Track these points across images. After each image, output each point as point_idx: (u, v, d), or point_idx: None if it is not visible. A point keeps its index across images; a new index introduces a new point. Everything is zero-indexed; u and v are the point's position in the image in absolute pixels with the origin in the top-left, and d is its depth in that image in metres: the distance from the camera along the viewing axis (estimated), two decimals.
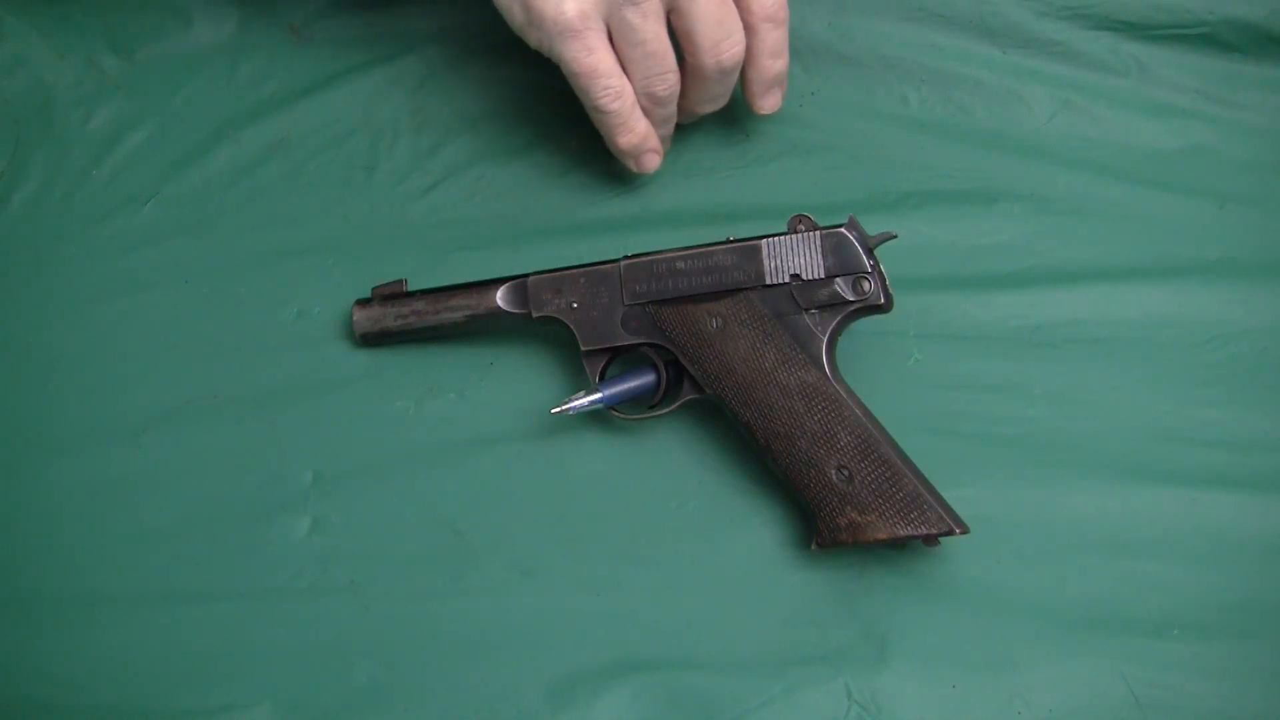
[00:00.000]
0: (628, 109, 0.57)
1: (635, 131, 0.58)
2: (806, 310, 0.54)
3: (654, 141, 0.59)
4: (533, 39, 0.56)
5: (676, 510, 0.58)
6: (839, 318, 0.54)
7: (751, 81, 0.59)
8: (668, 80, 0.56)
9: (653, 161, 0.60)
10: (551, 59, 0.56)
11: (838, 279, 0.54)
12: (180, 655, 0.58)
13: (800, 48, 0.63)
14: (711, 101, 0.59)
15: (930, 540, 0.53)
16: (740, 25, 0.56)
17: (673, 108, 0.58)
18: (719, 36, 0.55)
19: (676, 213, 0.62)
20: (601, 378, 0.57)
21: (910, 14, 0.63)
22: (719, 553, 0.57)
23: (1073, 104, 0.62)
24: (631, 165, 0.60)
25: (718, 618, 0.56)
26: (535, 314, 0.57)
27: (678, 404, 0.56)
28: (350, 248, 0.63)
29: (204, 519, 0.60)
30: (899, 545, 0.56)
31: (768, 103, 0.60)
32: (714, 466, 0.58)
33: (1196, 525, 0.55)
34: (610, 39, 0.55)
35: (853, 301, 0.53)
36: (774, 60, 0.58)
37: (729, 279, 0.54)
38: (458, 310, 0.58)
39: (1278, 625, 0.54)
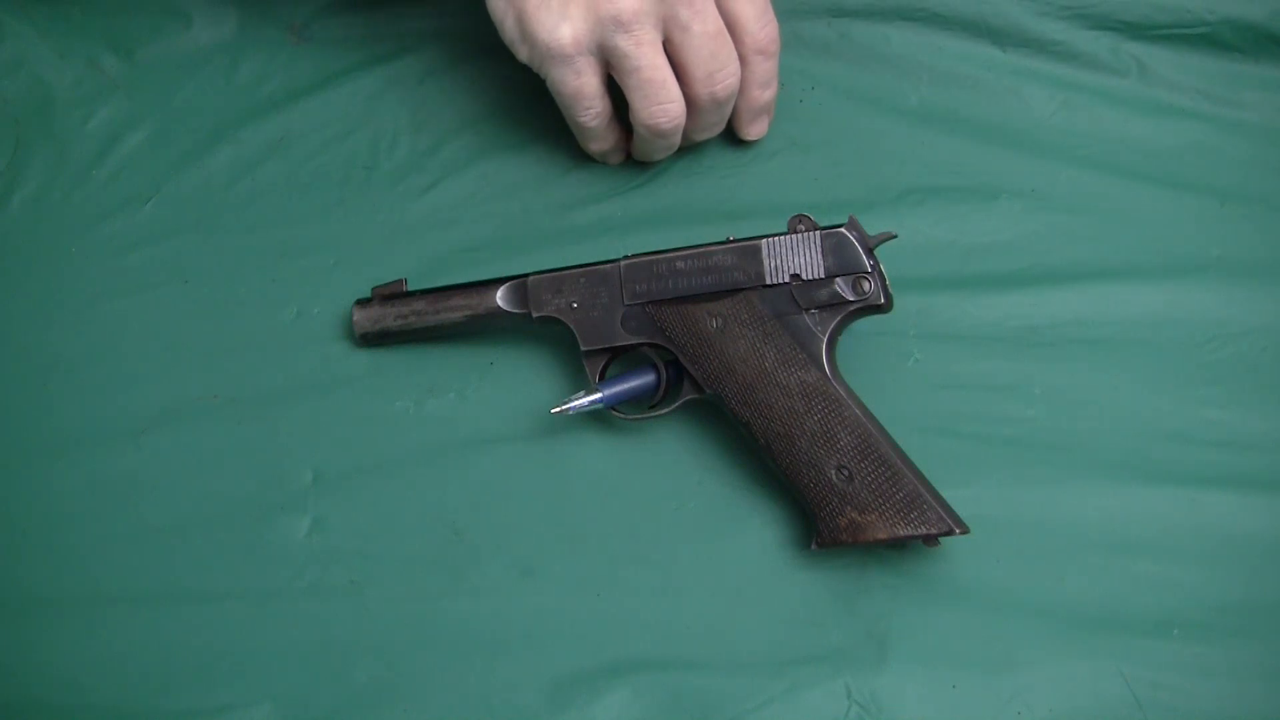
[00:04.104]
0: (603, 125, 0.59)
1: (606, 141, 0.60)
2: (806, 310, 0.54)
3: (622, 144, 0.61)
4: (523, 54, 0.56)
5: (676, 510, 0.58)
6: (839, 318, 0.54)
7: (740, 110, 0.59)
8: (669, 111, 0.56)
9: (617, 158, 0.62)
10: (539, 74, 0.57)
11: (838, 279, 0.54)
12: (180, 655, 0.58)
13: (800, 46, 0.63)
14: (706, 130, 0.59)
15: (930, 540, 0.53)
16: (735, 56, 0.56)
17: (676, 139, 0.58)
18: (713, 68, 0.55)
19: (676, 212, 0.62)
20: (601, 378, 0.57)
21: (910, 13, 0.63)
22: (719, 553, 0.57)
23: (1073, 103, 0.62)
24: (597, 159, 0.62)
25: (718, 617, 0.56)
26: (535, 314, 0.57)
27: (678, 404, 0.56)
28: (350, 248, 0.63)
29: (204, 519, 0.60)
30: (899, 545, 0.56)
31: (754, 129, 0.61)
32: (714, 466, 0.58)
33: (1196, 525, 0.55)
34: (608, 64, 0.55)
35: (853, 301, 0.53)
36: (763, 90, 0.59)
37: (729, 279, 0.55)
38: (458, 310, 0.58)
39: (1278, 625, 0.54)
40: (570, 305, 0.56)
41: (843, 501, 0.53)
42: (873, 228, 0.55)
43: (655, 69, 0.55)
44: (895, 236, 0.55)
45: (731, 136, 0.62)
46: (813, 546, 0.54)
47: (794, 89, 0.63)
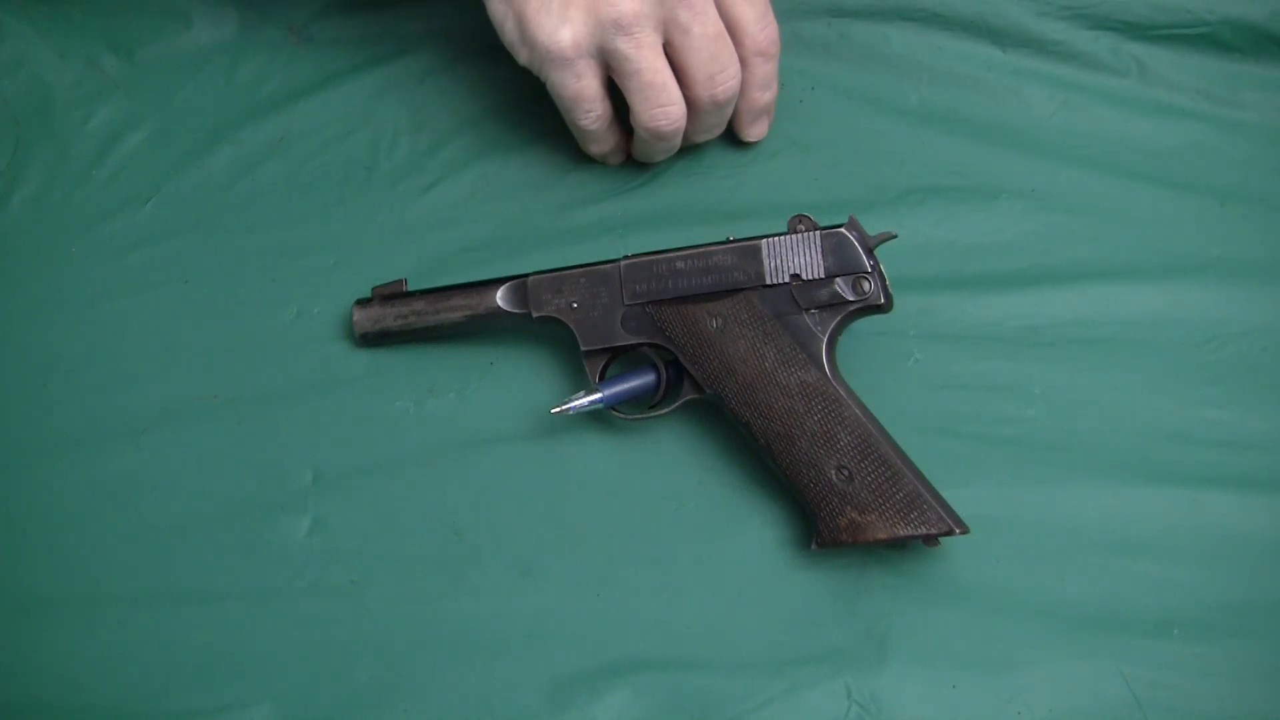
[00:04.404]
0: (604, 128, 0.58)
1: (607, 143, 0.60)
2: (806, 310, 0.54)
3: (623, 146, 0.61)
4: (523, 57, 0.56)
5: (676, 510, 0.58)
6: (839, 318, 0.54)
7: (740, 112, 0.60)
8: (670, 114, 0.56)
9: (618, 159, 0.62)
10: (539, 77, 0.57)
11: (838, 279, 0.54)
12: (180, 655, 0.58)
13: (800, 46, 0.63)
14: (706, 132, 0.60)
15: (930, 540, 0.53)
16: (736, 59, 0.56)
17: (676, 140, 0.59)
18: (714, 70, 0.55)
19: (676, 212, 0.62)
20: (601, 378, 0.57)
21: (910, 13, 0.63)
22: (719, 553, 0.57)
23: (1073, 103, 0.62)
24: (597, 160, 0.62)
25: (718, 617, 0.56)
26: (535, 314, 0.57)
27: (678, 404, 0.56)
28: (350, 248, 0.63)
29: (204, 519, 0.60)
30: (899, 545, 0.56)
31: (755, 131, 0.61)
32: (714, 466, 0.58)
33: (1196, 525, 0.55)
34: (609, 67, 0.55)
35: (853, 301, 0.53)
36: (763, 92, 0.59)
37: (729, 279, 0.54)
38: (458, 310, 0.58)
39: (1278, 625, 0.54)
40: (570, 305, 0.56)
41: (843, 501, 0.53)
42: (873, 228, 0.55)
43: (656, 72, 0.55)
44: (895, 236, 0.55)
45: (731, 137, 0.62)
46: (813, 546, 0.54)
47: (794, 89, 0.63)
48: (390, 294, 0.60)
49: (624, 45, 0.54)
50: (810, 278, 0.54)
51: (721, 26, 0.55)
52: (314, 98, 0.66)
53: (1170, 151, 0.61)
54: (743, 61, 0.57)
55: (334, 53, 0.66)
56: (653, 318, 0.55)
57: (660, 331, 0.55)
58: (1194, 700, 0.53)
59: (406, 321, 0.59)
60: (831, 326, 0.54)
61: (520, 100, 0.64)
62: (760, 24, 0.56)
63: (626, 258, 0.56)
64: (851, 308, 0.54)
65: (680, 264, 0.55)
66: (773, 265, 0.54)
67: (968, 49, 0.63)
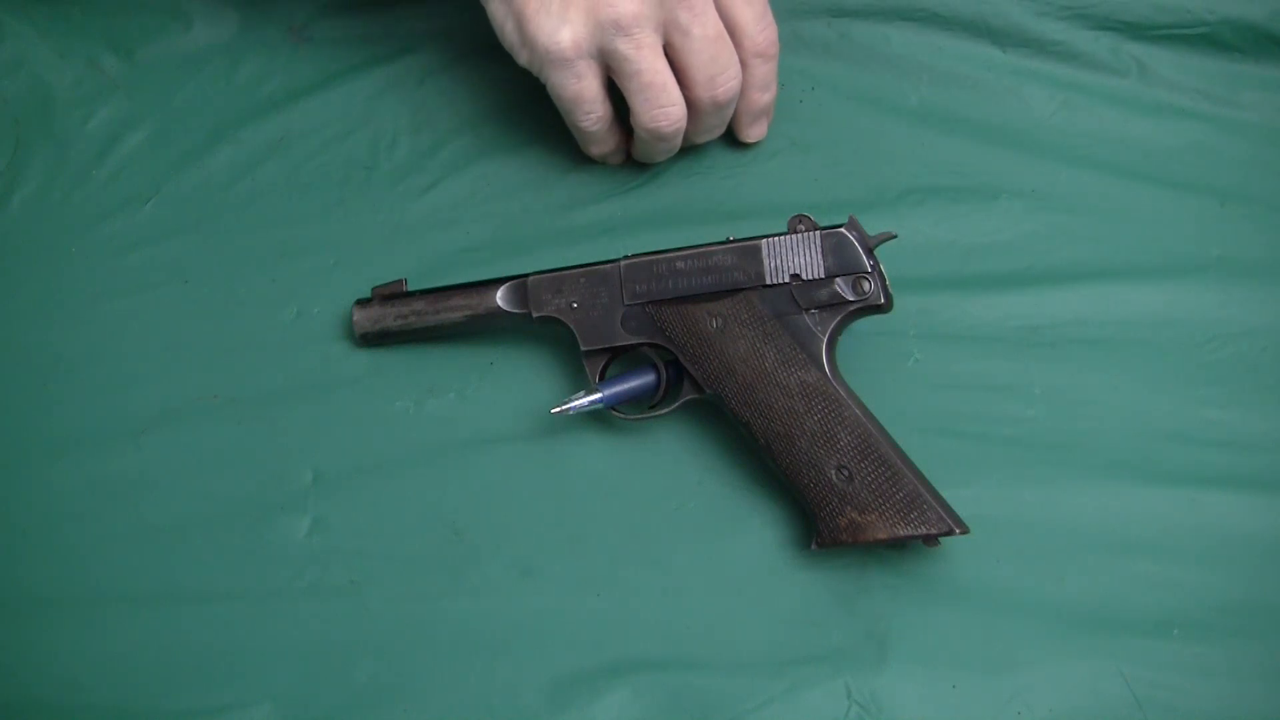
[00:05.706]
0: (604, 129, 0.58)
1: (607, 144, 0.60)
2: (806, 310, 0.54)
3: (623, 147, 0.61)
4: (523, 59, 0.56)
5: (676, 510, 0.58)
6: (839, 318, 0.54)
7: (739, 113, 0.60)
8: (670, 115, 0.56)
9: (618, 160, 0.62)
10: (539, 79, 0.57)
11: (838, 279, 0.54)
12: (181, 655, 0.58)
13: (800, 46, 0.63)
14: (707, 133, 0.60)
15: (930, 540, 0.53)
16: (736, 60, 0.56)
17: (677, 141, 0.59)
18: (714, 71, 0.55)
19: (676, 213, 0.62)
20: (601, 378, 0.57)
21: (910, 13, 0.63)
22: (719, 553, 0.57)
23: (1073, 103, 0.62)
24: (597, 160, 0.62)
25: (717, 617, 0.56)
26: (535, 314, 0.57)
27: (678, 404, 0.56)
28: (350, 248, 0.63)
29: (204, 519, 0.60)
30: (899, 545, 0.56)
31: (754, 132, 0.61)
32: (714, 466, 0.58)
33: (1196, 525, 0.55)
34: (609, 68, 0.55)
35: (853, 301, 0.53)
36: (762, 93, 0.59)
37: (729, 279, 0.55)
38: (458, 310, 0.58)
39: (1278, 625, 0.54)
40: (570, 305, 0.56)
41: (843, 501, 0.53)
42: (873, 228, 0.55)
43: (656, 73, 0.55)
44: (895, 236, 0.55)
45: (731, 137, 0.62)
46: (813, 546, 0.54)
47: (794, 89, 0.63)
48: (390, 294, 0.60)
49: (624, 46, 0.54)
50: (810, 278, 0.54)
51: (721, 28, 0.55)
52: (314, 98, 0.66)
53: (1170, 151, 0.61)
54: (742, 63, 0.57)
55: (334, 53, 0.66)
56: (653, 318, 0.55)
57: (660, 331, 0.55)
58: (1194, 700, 0.53)
59: (406, 321, 0.59)
60: (831, 326, 0.54)
61: (520, 100, 0.64)
62: (759, 25, 0.56)
63: (626, 258, 0.56)
64: (851, 308, 0.54)
65: (680, 264, 0.55)
66: (773, 265, 0.54)
67: (968, 49, 0.63)
